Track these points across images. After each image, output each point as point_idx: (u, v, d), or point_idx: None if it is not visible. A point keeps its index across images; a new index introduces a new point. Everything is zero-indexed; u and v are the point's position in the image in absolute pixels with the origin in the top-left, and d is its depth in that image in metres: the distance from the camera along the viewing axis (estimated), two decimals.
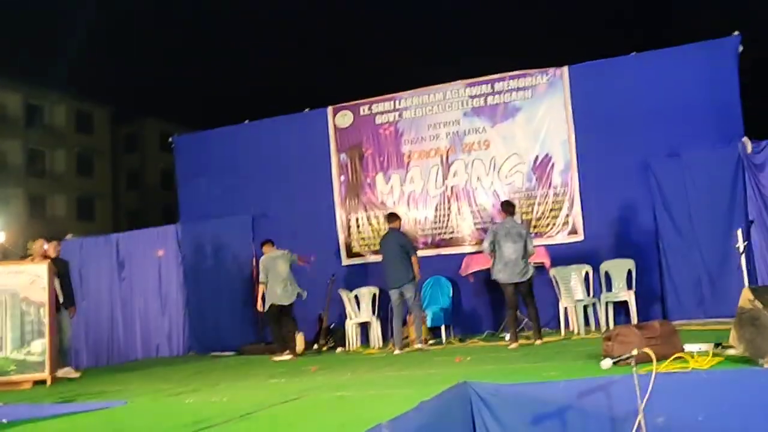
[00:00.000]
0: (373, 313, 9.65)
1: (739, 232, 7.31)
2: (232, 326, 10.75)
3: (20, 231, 29.24)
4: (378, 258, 10.12)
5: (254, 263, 10.61)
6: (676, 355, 4.43)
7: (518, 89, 9.87)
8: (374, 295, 9.78)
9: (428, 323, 9.10)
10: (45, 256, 8.49)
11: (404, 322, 9.07)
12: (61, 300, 8.47)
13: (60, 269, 8.59)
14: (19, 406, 5.55)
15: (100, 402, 5.52)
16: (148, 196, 41.88)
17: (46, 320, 7.78)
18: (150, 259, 11.61)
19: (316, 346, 9.59)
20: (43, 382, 7.59)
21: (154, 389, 6.34)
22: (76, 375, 8.46)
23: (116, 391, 6.50)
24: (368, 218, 10.53)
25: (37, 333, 7.74)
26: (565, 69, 9.67)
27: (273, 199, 10.98)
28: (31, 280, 7.88)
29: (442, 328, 9.13)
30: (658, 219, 8.98)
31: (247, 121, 11.58)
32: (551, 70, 9.74)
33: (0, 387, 7.42)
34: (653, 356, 3.72)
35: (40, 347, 7.70)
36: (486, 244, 7.97)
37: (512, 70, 9.96)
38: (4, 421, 4.82)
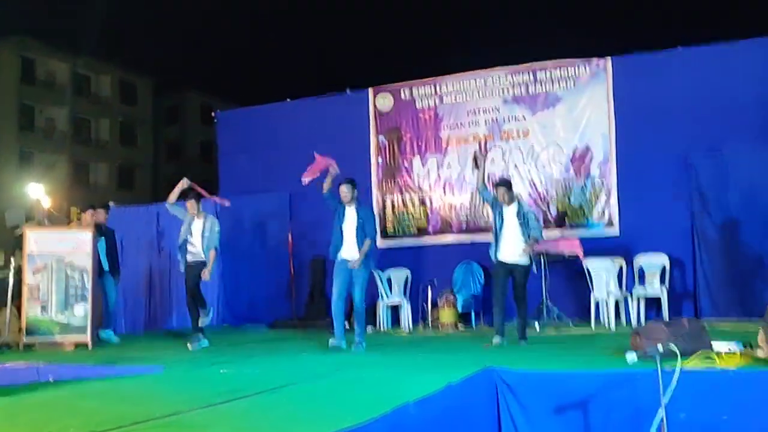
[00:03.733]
0: (404, 294, 9.77)
1: None
2: (265, 300, 10.98)
3: (64, 196, 29.99)
4: (412, 241, 10.32)
5: (290, 239, 10.83)
6: (702, 353, 4.46)
7: (560, 79, 9.82)
8: (406, 277, 9.91)
9: (459, 309, 9.19)
10: (96, 224, 8.81)
11: (435, 304, 9.22)
12: (106, 267, 8.79)
13: (108, 237, 8.92)
14: (64, 366, 5.79)
15: (139, 367, 5.74)
16: (187, 168, 42.40)
17: (89, 285, 8.06)
18: None
19: (346, 325, 9.74)
20: (84, 344, 7.89)
21: (189, 358, 6.56)
22: (116, 339, 8.78)
23: (153, 357, 6.71)
24: (403, 201, 10.62)
25: (80, 297, 8.02)
26: (609, 60, 9.60)
27: None
28: (76, 245, 8.15)
29: (472, 314, 9.22)
30: (695, 215, 8.93)
31: (288, 100, 11.72)
32: (595, 61, 9.68)
33: (44, 347, 7.75)
34: (678, 352, 3.78)
35: (82, 311, 7.98)
36: None
37: (555, 59, 9.92)
38: (51, 379, 5.08)
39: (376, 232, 7.40)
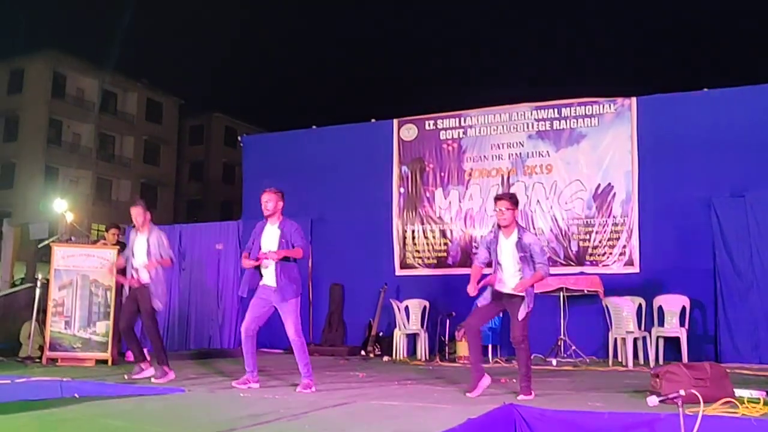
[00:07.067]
0: (422, 325, 9.79)
1: None
2: (282, 325, 10.99)
3: (86, 212, 30.40)
4: (431, 272, 10.32)
5: (310, 265, 10.91)
6: (725, 399, 4.44)
7: (585, 116, 9.91)
8: (424, 307, 9.93)
9: None
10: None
11: (452, 336, 9.23)
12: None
13: None
14: (86, 382, 5.88)
15: (160, 387, 5.80)
16: (209, 189, 42.92)
17: (112, 303, 8.18)
18: (210, 252, 11.99)
19: (363, 353, 9.80)
20: (104, 361, 7.98)
21: (209, 380, 6.61)
22: None
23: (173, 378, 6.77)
24: (424, 231, 10.69)
25: (103, 314, 8.15)
26: (634, 100, 9.68)
27: (333, 205, 11.25)
28: (101, 263, 8.30)
29: (489, 347, 9.21)
30: (717, 257, 8.90)
31: (314, 127, 11.89)
32: (620, 100, 9.75)
33: (65, 362, 7.87)
34: (701, 398, 3.78)
35: (104, 328, 8.12)
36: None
37: (579, 98, 10.00)
38: (76, 395, 5.16)
39: (307, 244, 5.97)
